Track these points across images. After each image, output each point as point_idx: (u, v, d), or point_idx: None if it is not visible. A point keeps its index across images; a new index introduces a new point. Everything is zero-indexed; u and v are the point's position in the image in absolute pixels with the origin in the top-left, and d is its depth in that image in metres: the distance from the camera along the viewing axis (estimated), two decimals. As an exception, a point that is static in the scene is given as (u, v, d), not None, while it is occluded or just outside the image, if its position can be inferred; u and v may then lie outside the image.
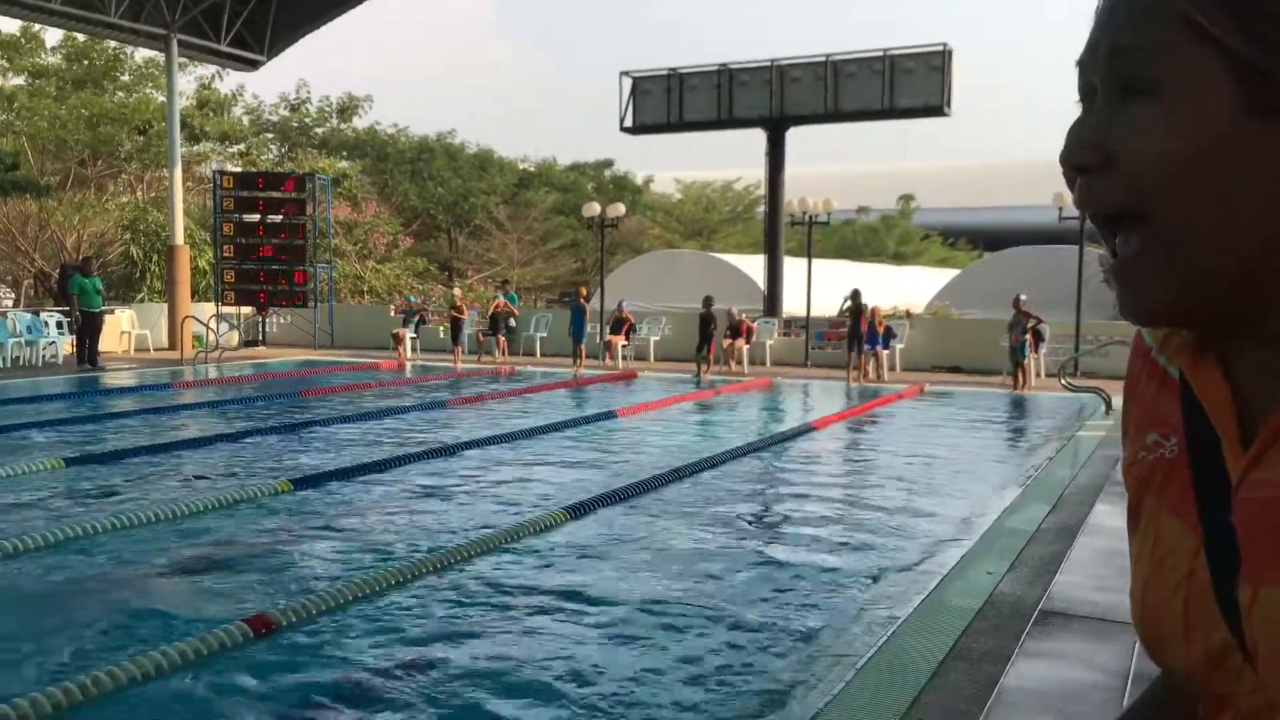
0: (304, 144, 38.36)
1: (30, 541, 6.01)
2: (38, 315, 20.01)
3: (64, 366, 18.44)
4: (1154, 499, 0.79)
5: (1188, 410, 0.76)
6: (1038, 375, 17.04)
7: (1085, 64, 0.73)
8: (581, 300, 20.51)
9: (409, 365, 19.94)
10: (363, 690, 4.15)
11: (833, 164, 59.01)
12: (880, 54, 22.61)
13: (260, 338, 24.38)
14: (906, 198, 53.18)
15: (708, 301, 18.85)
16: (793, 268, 24.39)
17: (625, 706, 3.99)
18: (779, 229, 24.07)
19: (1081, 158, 0.72)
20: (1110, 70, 0.71)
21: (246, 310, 24.07)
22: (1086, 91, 0.74)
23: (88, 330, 18.33)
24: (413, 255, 36.03)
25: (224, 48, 23.80)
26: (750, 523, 7.48)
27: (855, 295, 17.57)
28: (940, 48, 22.28)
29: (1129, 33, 0.69)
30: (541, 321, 22.86)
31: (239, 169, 29.45)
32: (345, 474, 8.46)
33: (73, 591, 5.33)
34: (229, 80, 32.58)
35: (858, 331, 17.36)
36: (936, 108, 22.41)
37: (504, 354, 20.87)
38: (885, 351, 18.09)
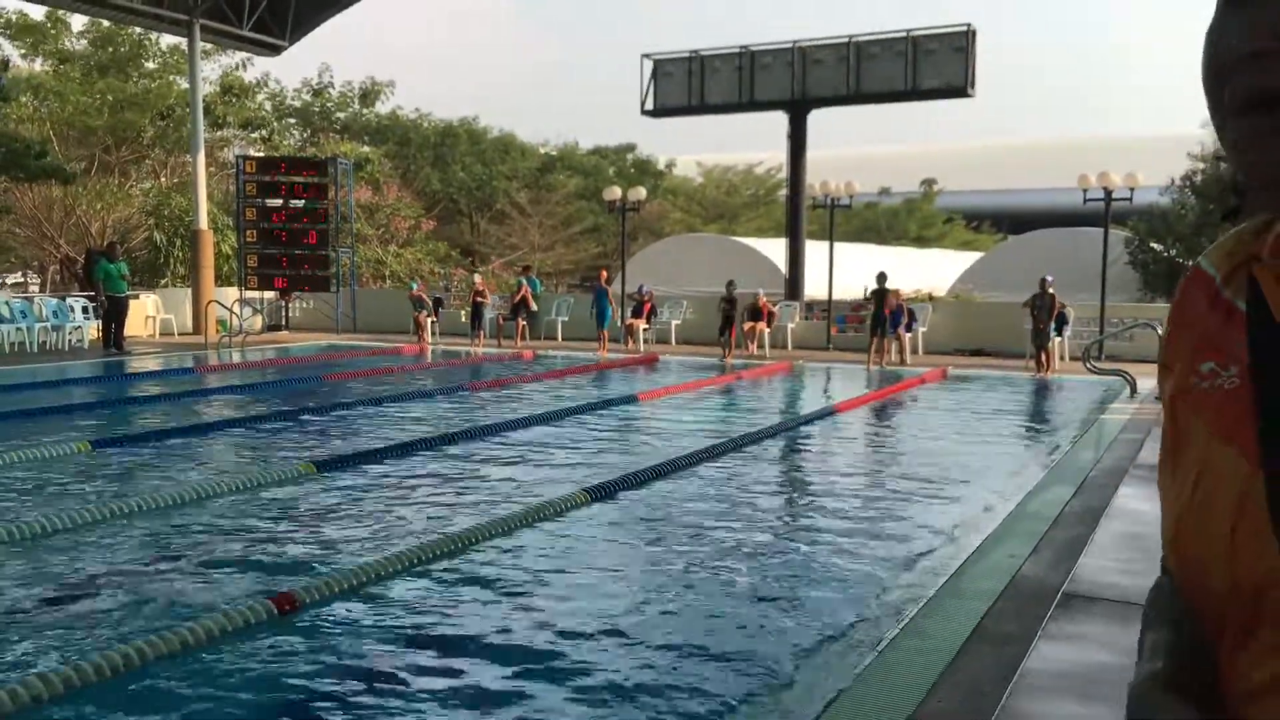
0: (326, 129, 38.42)
1: (58, 522, 6.08)
2: (64, 300, 20.19)
3: (90, 351, 18.61)
4: (1204, 428, 0.79)
5: (1256, 341, 0.77)
6: (1061, 358, 16.92)
7: None
8: (603, 284, 20.50)
9: (430, 350, 20.01)
10: (384, 668, 4.18)
11: (855, 146, 58.66)
12: (903, 35, 22.41)
13: (283, 322, 24.52)
14: (929, 181, 52.81)
15: (730, 286, 18.84)
16: (814, 251, 24.26)
17: (647, 682, 4.00)
18: (800, 212, 23.95)
19: None
20: None
21: (269, 294, 24.21)
22: None
23: (113, 315, 18.50)
24: (434, 240, 36.09)
25: (246, 32, 23.85)
26: (772, 505, 7.47)
27: (881, 278, 17.49)
28: (964, 28, 22.06)
29: None
30: (563, 305, 22.87)
31: (261, 154, 29.54)
32: (367, 456, 8.51)
33: (99, 571, 5.40)
34: (253, 69, 32.71)
35: (881, 315, 17.27)
36: (960, 88, 22.20)
37: (524, 338, 20.90)
38: (908, 335, 18.01)
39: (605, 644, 4.43)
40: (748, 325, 19.25)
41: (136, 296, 21.38)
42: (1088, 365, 14.25)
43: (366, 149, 36.20)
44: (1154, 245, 24.51)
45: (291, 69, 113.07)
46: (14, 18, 29.97)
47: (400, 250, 32.97)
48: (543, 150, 46.34)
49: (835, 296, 20.78)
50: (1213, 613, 0.77)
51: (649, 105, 24.79)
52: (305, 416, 11.05)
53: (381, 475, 7.94)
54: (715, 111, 25.01)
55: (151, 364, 17.05)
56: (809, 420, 11.45)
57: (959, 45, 22.00)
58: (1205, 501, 0.77)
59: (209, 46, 27.42)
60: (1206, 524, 0.76)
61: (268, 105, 35.77)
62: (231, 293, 23.21)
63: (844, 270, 21.38)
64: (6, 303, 19.04)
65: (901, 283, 19.40)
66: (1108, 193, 17.47)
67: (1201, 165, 24.49)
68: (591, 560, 5.71)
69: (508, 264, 36.34)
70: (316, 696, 3.93)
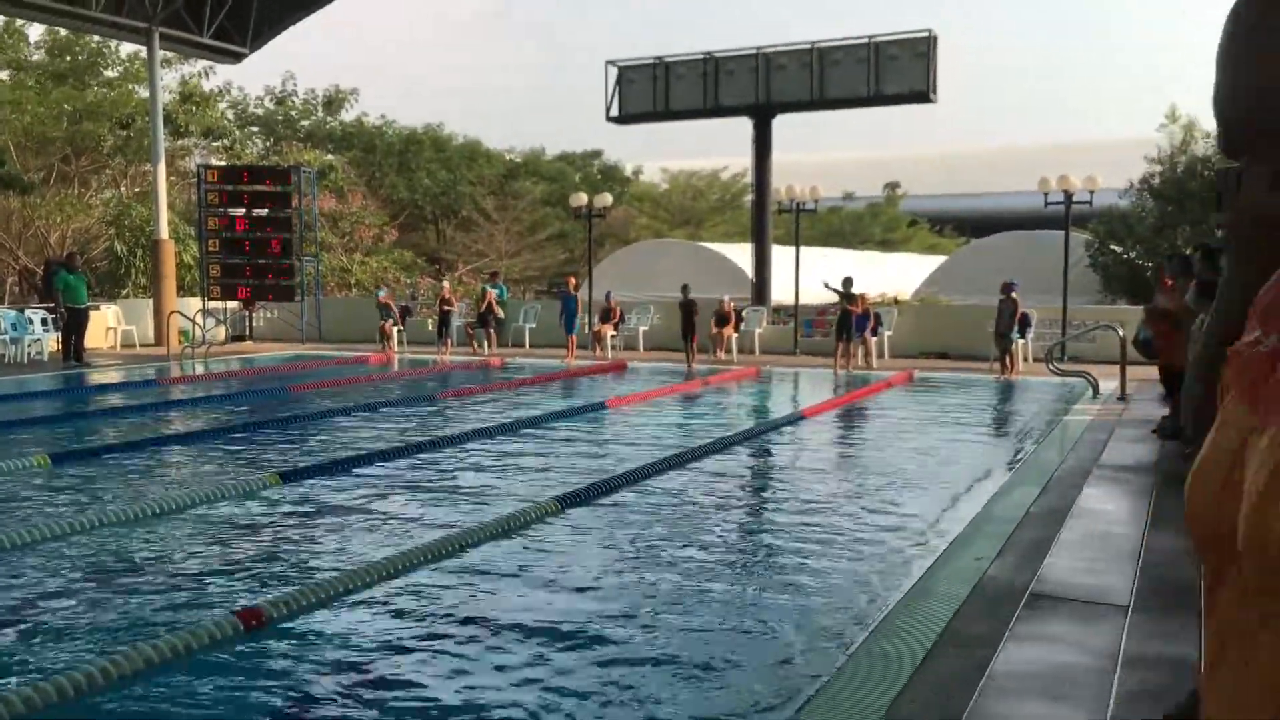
0: (289, 137, 38.13)
1: (17, 538, 5.98)
2: (22, 312, 19.88)
3: (50, 363, 18.33)
4: (1232, 390, 0.85)
5: None
6: (1025, 360, 17.09)
7: None
8: (571, 290, 20.48)
9: (396, 359, 19.88)
10: (353, 683, 4.14)
11: (819, 151, 59.04)
12: (865, 41, 22.60)
13: (247, 332, 24.28)
14: (892, 185, 53.25)
15: (685, 290, 18.85)
16: (780, 256, 24.39)
17: (618, 688, 3.99)
18: (766, 217, 24.08)
19: None
20: None
21: (233, 305, 23.96)
22: None
23: (73, 326, 18.22)
24: (400, 247, 35.90)
25: (206, 40, 23.61)
26: (740, 511, 7.49)
27: (847, 283, 17.57)
28: (925, 34, 22.29)
29: None
30: (530, 312, 22.82)
31: (223, 163, 29.26)
32: (333, 467, 8.44)
33: (59, 588, 5.31)
34: (215, 78, 32.41)
35: (848, 320, 17.35)
36: (922, 94, 22.43)
37: (492, 346, 20.82)
38: (873, 339, 18.11)
39: (577, 651, 4.41)
40: (714, 330, 19.28)
41: (97, 308, 21.09)
42: (1050, 367, 14.39)
43: (330, 157, 35.98)
44: (1114, 247, 24.84)
45: (254, 77, 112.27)
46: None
47: (365, 259, 32.77)
48: (508, 157, 46.26)
49: (801, 301, 20.88)
50: (1203, 557, 0.83)
51: (614, 112, 24.83)
52: (270, 428, 10.94)
53: (348, 486, 7.87)
54: (680, 117, 25.10)
55: (113, 376, 16.81)
56: (777, 426, 11.48)
57: (920, 51, 22.23)
58: (1212, 452, 0.83)
59: (169, 55, 27.14)
60: (1208, 472, 0.82)
61: (229, 114, 35.46)
62: (194, 303, 22.96)
63: (810, 275, 21.48)
64: (-37, 315, 18.73)
65: (867, 287, 19.52)
66: (1068, 196, 17.68)
67: (1159, 168, 24.88)
68: (562, 569, 5.68)
69: (474, 271, 36.20)
70: (284, 715, 3.89)
